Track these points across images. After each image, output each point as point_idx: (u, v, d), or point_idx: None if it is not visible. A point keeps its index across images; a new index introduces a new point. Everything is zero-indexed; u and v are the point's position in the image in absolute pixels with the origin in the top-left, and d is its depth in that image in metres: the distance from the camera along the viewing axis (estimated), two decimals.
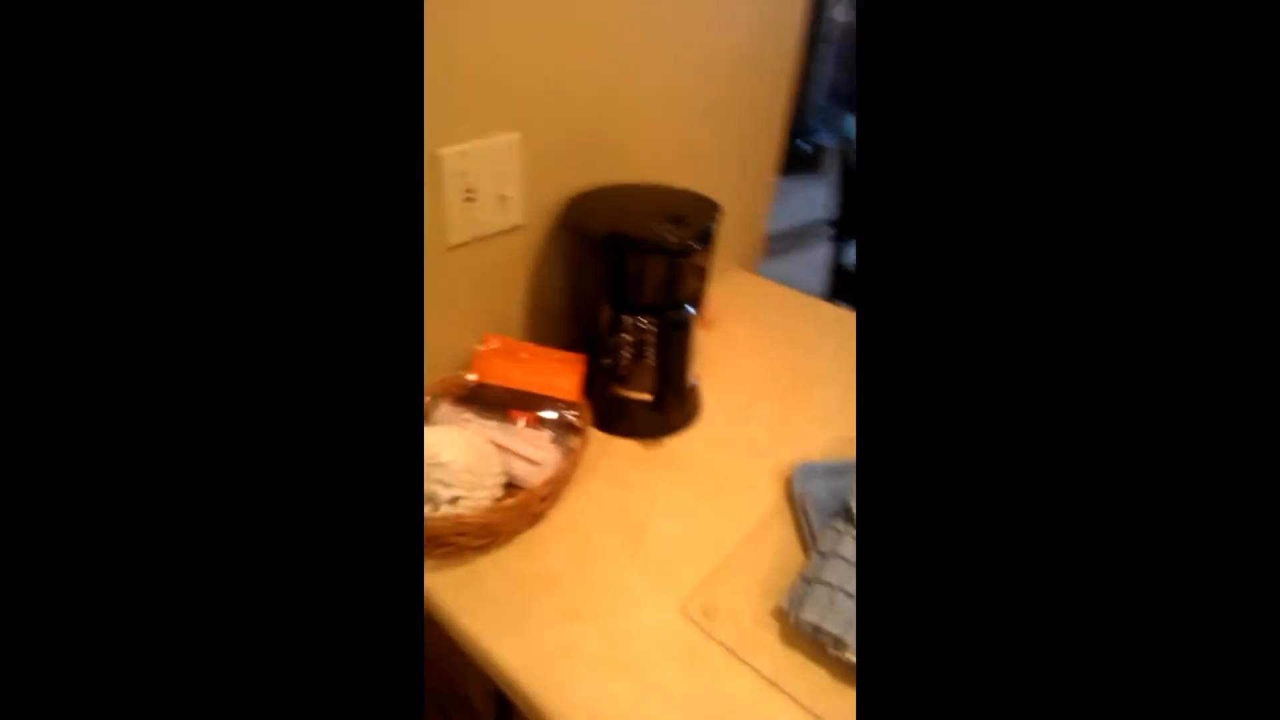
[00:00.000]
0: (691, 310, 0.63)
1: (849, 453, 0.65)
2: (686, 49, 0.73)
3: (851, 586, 0.48)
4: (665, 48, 0.70)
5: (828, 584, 0.48)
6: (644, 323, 0.60)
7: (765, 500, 0.60)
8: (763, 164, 0.96)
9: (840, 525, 0.53)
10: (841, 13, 3.68)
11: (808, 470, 0.61)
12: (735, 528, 0.57)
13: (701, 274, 0.63)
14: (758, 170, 0.96)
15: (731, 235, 0.93)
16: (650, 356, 0.62)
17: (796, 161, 3.51)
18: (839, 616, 0.46)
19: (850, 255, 1.82)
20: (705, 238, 0.59)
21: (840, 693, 0.46)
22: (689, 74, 0.75)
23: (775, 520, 0.58)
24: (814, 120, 3.70)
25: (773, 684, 0.46)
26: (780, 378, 0.77)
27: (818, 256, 2.19)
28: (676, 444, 0.66)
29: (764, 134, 0.94)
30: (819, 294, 1.05)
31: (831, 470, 0.61)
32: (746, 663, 0.47)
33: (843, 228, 1.80)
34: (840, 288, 1.84)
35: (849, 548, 0.51)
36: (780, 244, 2.96)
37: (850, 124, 1.72)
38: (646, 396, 0.63)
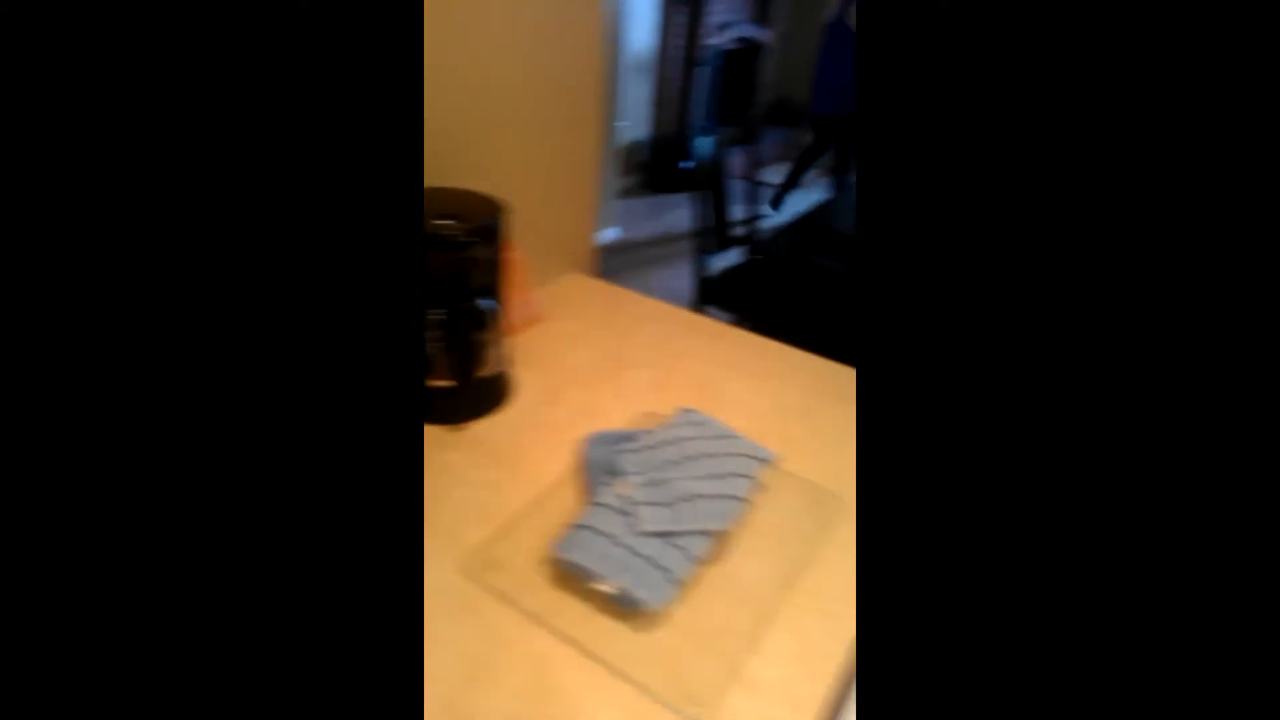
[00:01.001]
0: (490, 303, 0.69)
1: (647, 425, 0.72)
2: (495, 74, 0.80)
3: (607, 526, 0.54)
4: (477, 76, 0.77)
5: (589, 527, 0.54)
6: (436, 314, 0.65)
7: (559, 469, 0.66)
8: (582, 180, 1.04)
9: (606, 479, 0.59)
10: (716, 39, 3.89)
11: (597, 438, 0.68)
12: (526, 493, 0.63)
13: (493, 269, 0.69)
14: (578, 185, 1.04)
15: (560, 242, 1.01)
16: (449, 346, 0.67)
17: (682, 180, 3.66)
18: (592, 551, 0.52)
19: (713, 264, 1.94)
20: (483, 232, 0.65)
21: (597, 621, 0.51)
22: (501, 98, 0.82)
23: (565, 485, 0.64)
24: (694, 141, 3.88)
25: (536, 619, 0.51)
26: (598, 365, 0.83)
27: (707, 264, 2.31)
28: (481, 426, 0.71)
29: (581, 154, 1.02)
30: (689, 300, 1.13)
31: (619, 437, 0.68)
32: (514, 603, 0.52)
33: (705, 240, 1.91)
34: (706, 295, 1.95)
35: (608, 495, 0.57)
36: (666, 252, 3.09)
37: (702, 144, 1.84)
38: (448, 383, 0.68)
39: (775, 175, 4.05)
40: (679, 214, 3.49)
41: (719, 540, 0.57)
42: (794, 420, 0.76)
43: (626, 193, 3.63)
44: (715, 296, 1.95)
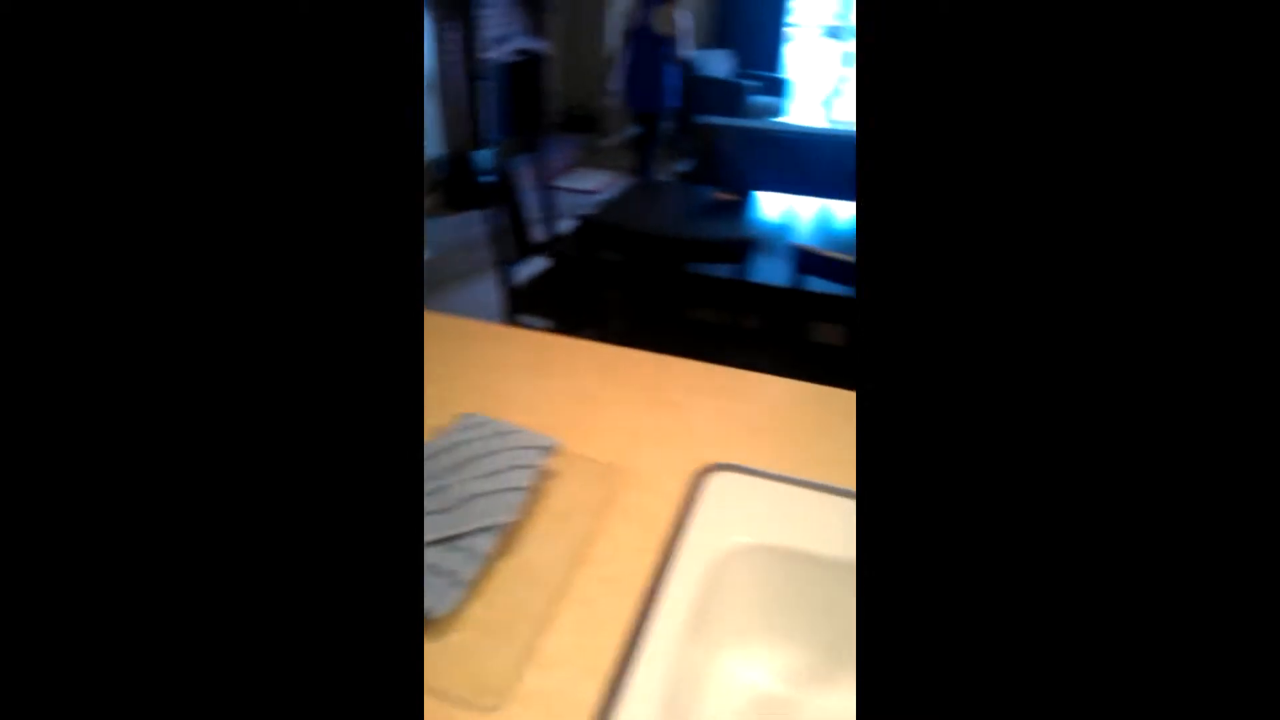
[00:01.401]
0: None
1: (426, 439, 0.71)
2: None
3: None
4: None
5: None
6: None
7: None
8: None
9: None
10: (495, 54, 3.89)
11: None
12: None
13: None
14: None
15: None
16: None
17: (482, 194, 3.63)
18: None
19: (519, 274, 1.95)
20: None
21: None
22: None
23: None
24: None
25: None
26: None
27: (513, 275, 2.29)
28: None
29: None
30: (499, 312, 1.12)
31: None
32: None
33: (503, 250, 1.92)
34: (516, 305, 1.95)
35: None
36: (470, 268, 3.05)
37: (483, 157, 1.84)
38: None
39: (578, 181, 4.14)
40: (482, 229, 3.46)
41: (506, 533, 0.58)
42: (579, 406, 0.79)
43: (429, 212, 3.53)
44: (525, 305, 1.96)
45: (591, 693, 0.48)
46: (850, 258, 1.27)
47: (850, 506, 0.64)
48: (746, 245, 1.37)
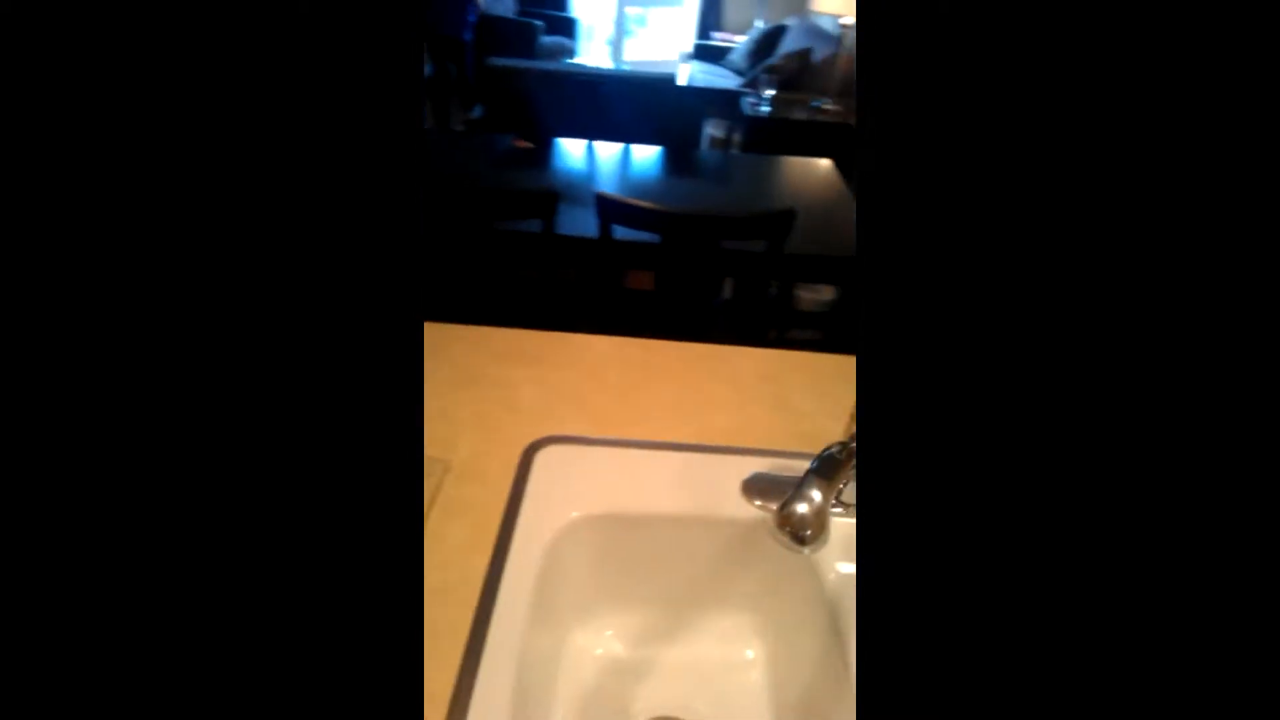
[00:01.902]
0: None
1: None
2: None
3: None
4: None
5: None
6: None
7: None
8: None
9: None
10: None
11: None
12: None
13: None
14: None
15: None
16: None
17: None
18: None
19: None
20: None
21: None
22: None
23: None
24: None
25: None
26: None
27: None
28: None
29: None
30: None
31: None
32: None
33: None
34: None
35: None
36: None
37: None
38: None
39: None
40: None
41: None
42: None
43: None
44: None
45: (438, 715, 0.44)
46: (655, 205, 1.27)
47: (677, 458, 0.65)
48: (555, 198, 1.32)
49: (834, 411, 0.75)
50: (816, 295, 2.10)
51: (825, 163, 2.55)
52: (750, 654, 0.63)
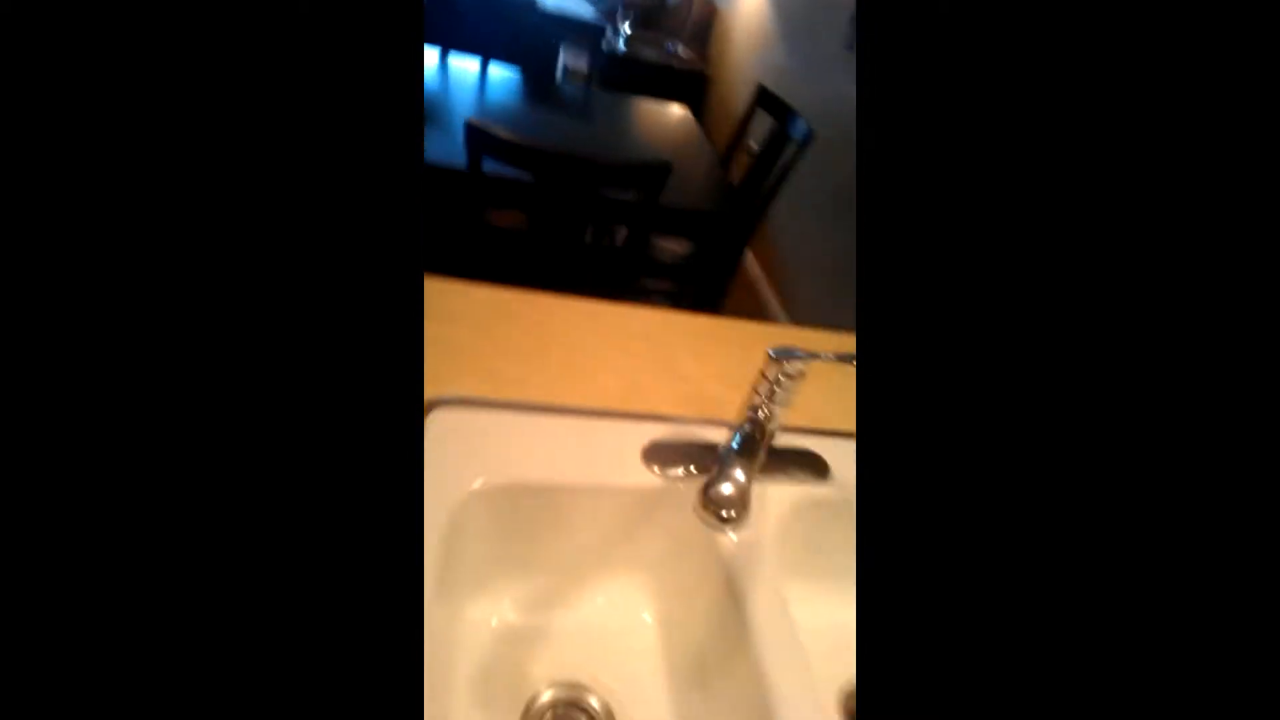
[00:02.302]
0: None
1: None
2: None
3: None
4: None
5: None
6: None
7: None
8: None
9: None
10: None
11: None
12: None
13: None
14: None
15: None
16: None
17: None
18: None
19: None
20: None
21: None
22: None
23: None
24: None
25: None
26: None
27: None
28: None
29: None
30: None
31: None
32: None
33: None
34: None
35: None
36: None
37: None
38: None
39: None
40: None
41: None
42: None
43: None
44: None
45: None
46: (533, 143, 1.20)
47: (575, 423, 0.63)
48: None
49: (718, 375, 0.77)
50: (671, 247, 2.13)
51: (679, 109, 2.55)
52: (647, 617, 0.65)
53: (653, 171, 1.26)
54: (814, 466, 0.68)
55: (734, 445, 0.50)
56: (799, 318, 2.51)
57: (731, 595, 0.56)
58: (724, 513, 0.46)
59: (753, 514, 0.61)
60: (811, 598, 0.71)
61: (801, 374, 0.58)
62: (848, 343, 0.93)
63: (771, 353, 0.58)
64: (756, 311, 2.71)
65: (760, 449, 0.53)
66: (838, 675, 0.67)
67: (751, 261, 2.94)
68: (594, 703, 0.58)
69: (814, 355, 0.56)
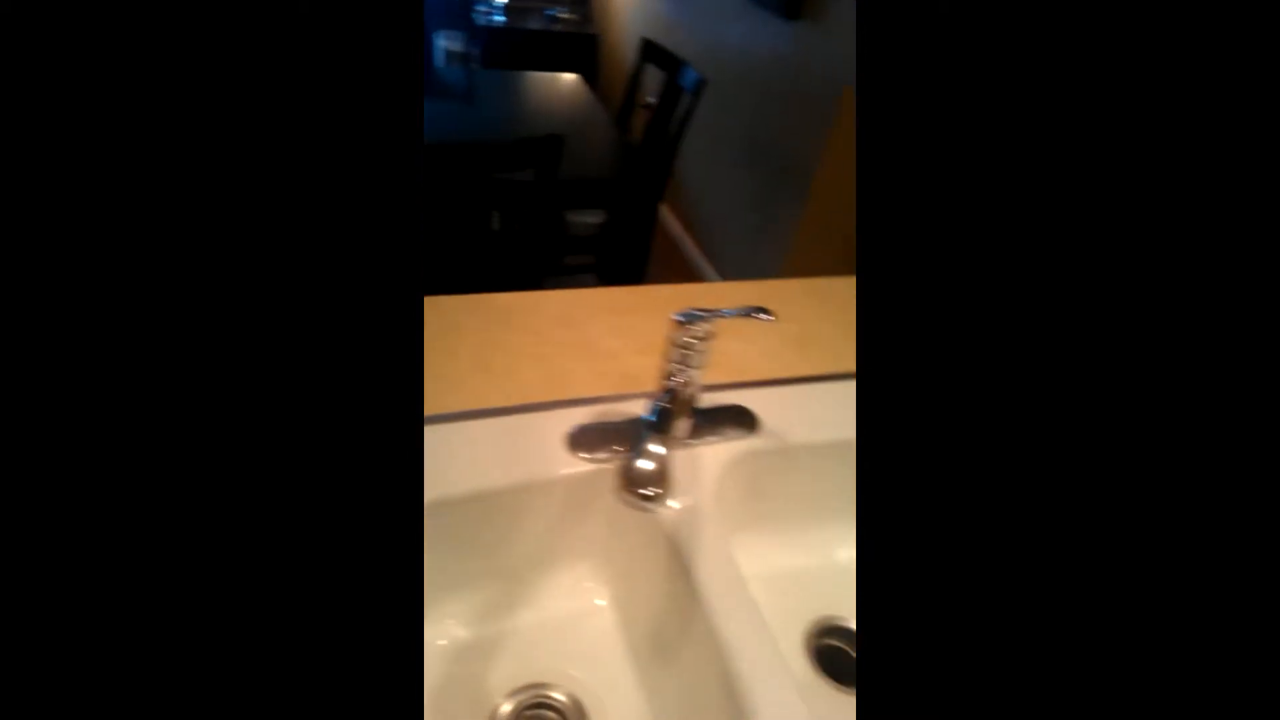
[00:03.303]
0: None
1: None
2: None
3: None
4: None
5: None
6: None
7: None
8: None
9: None
10: None
11: None
12: None
13: None
14: None
15: None
16: None
17: None
18: None
19: None
20: None
21: None
22: None
23: None
24: None
25: None
26: None
27: None
28: None
29: None
30: None
31: None
32: None
33: None
34: None
35: None
36: None
37: None
38: None
39: None
40: None
41: None
42: None
43: None
44: None
45: None
46: None
47: (495, 424, 0.61)
48: None
49: (640, 348, 0.76)
50: (583, 219, 2.09)
51: (570, 77, 2.49)
52: (600, 602, 0.64)
53: (543, 146, 1.22)
54: (742, 420, 0.68)
55: (650, 419, 0.49)
56: (725, 270, 2.51)
57: (679, 564, 0.55)
58: (646, 490, 0.44)
59: (688, 479, 0.61)
60: (762, 548, 0.71)
61: (710, 334, 0.57)
62: (763, 290, 0.92)
63: (675, 318, 0.56)
64: (683, 270, 2.70)
65: (682, 416, 0.52)
66: (800, 618, 0.68)
67: (673, 221, 2.93)
68: (559, 697, 0.57)
69: (716, 313, 0.55)
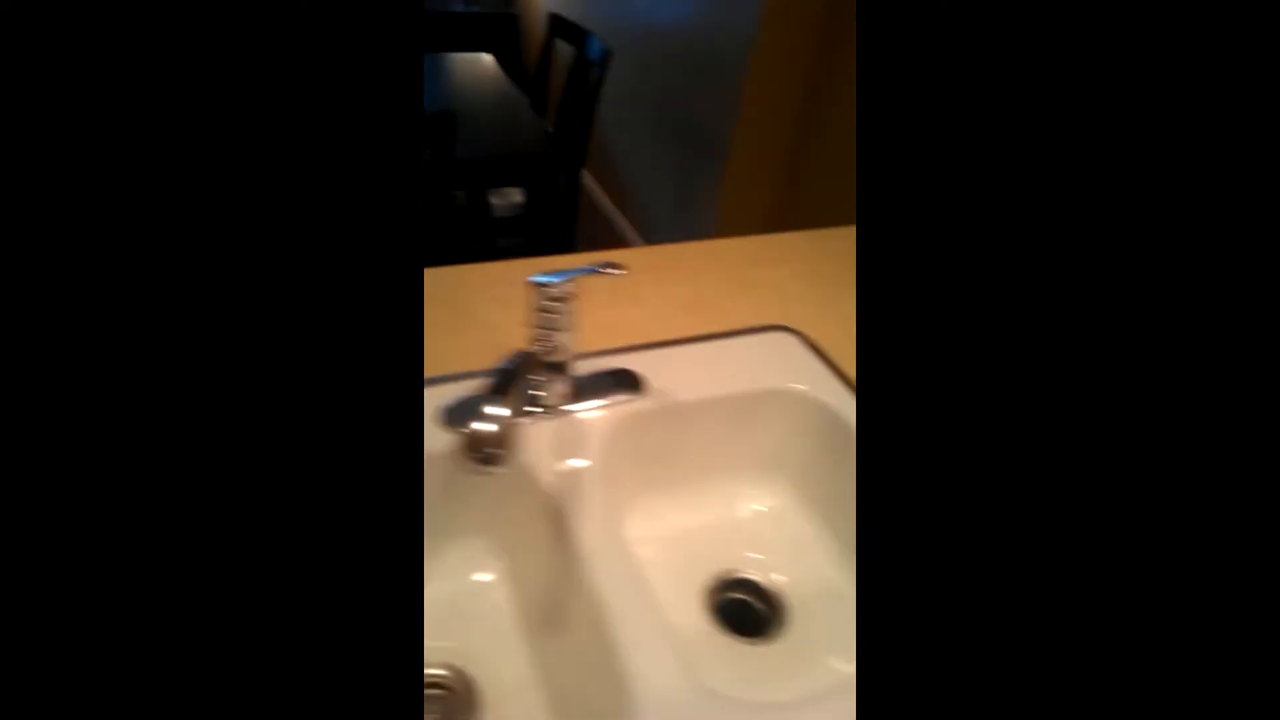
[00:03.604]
0: None
1: None
2: None
3: None
4: None
5: None
6: None
7: None
8: None
9: None
10: None
11: None
12: None
13: None
14: None
15: None
16: None
17: None
18: None
19: None
20: None
21: None
22: None
23: None
24: None
25: None
26: None
27: None
28: None
29: None
30: None
31: None
32: None
33: None
34: None
35: None
36: None
37: None
38: None
39: None
40: None
41: None
42: None
43: None
44: None
45: None
46: None
47: None
48: None
49: (523, 319, 0.75)
50: (506, 199, 2.06)
51: (485, 58, 2.44)
52: (489, 576, 0.63)
53: (434, 123, 1.18)
54: (626, 383, 0.67)
55: (491, 381, 0.48)
56: (651, 235, 2.50)
57: (562, 533, 0.55)
58: (488, 453, 0.43)
59: (571, 444, 0.60)
60: (660, 508, 0.71)
61: (570, 295, 0.56)
62: (661, 253, 0.91)
63: (530, 281, 0.55)
64: (612, 239, 2.68)
65: (520, 380, 0.51)
66: (700, 574, 0.68)
67: (600, 193, 2.90)
68: (448, 676, 0.56)
69: (568, 274, 0.54)
